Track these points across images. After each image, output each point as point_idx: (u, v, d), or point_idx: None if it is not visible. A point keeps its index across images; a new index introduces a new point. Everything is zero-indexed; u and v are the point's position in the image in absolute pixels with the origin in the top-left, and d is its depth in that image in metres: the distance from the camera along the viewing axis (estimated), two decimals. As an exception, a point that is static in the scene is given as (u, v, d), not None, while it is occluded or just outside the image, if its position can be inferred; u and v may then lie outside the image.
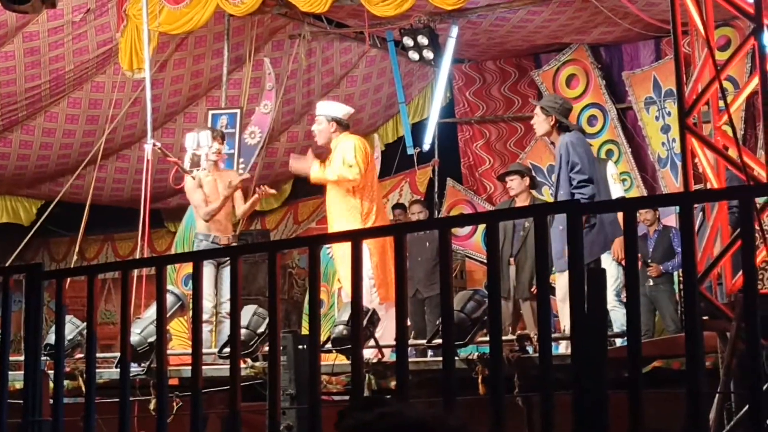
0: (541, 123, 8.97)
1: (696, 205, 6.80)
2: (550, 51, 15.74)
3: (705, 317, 6.16)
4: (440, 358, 8.76)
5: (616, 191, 9.76)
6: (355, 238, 5.52)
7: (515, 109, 16.29)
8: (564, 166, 8.65)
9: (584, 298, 4.54)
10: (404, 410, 2.05)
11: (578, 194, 8.51)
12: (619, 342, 8.81)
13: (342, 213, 9.84)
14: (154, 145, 10.45)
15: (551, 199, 13.85)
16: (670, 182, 14.45)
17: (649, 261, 11.97)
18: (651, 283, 11.92)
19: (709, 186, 7.01)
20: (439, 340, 8.24)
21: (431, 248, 12.63)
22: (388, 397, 8.16)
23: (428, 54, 14.24)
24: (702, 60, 6.93)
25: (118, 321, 14.87)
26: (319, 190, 17.29)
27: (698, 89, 6.89)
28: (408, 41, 14.24)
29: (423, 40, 14.07)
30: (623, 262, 10.54)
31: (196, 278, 5.50)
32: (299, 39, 14.56)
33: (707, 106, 7.09)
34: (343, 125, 9.97)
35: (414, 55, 14.38)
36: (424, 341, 9.48)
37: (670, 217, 12.86)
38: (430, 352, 9.73)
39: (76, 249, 13.49)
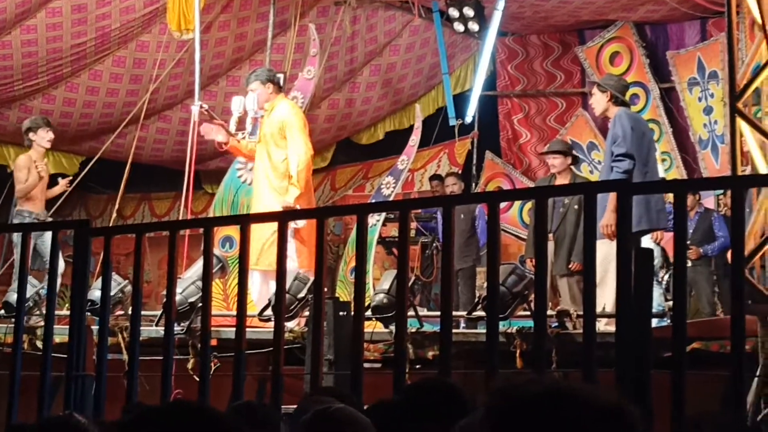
0: (598, 100, 8.95)
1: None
2: (595, 27, 15.66)
3: (747, 301, 6.16)
4: (476, 330, 8.78)
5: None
6: (403, 208, 5.56)
7: (557, 85, 16.24)
8: (609, 138, 8.64)
9: (630, 276, 4.56)
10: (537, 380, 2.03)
11: (614, 167, 8.46)
12: (655, 322, 8.80)
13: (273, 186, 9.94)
14: (201, 107, 10.46)
15: (590, 177, 13.86)
16: (710, 164, 14.36)
17: (689, 243, 11.93)
18: (689, 264, 11.89)
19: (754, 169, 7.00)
20: (480, 313, 8.28)
21: (464, 220, 12.64)
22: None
23: (473, 26, 14.16)
24: (756, 44, 6.90)
25: (152, 279, 15.07)
26: (357, 157, 17.37)
27: (749, 73, 6.87)
28: (454, 12, 14.17)
29: (469, 11, 14.00)
30: (661, 243, 10.56)
31: (244, 240, 5.55)
32: (344, 6, 14.53)
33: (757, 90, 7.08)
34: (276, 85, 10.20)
35: (459, 27, 14.30)
36: (461, 312, 9.51)
37: (709, 199, 12.81)
38: (462, 324, 9.73)
39: (116, 207, 13.56)
